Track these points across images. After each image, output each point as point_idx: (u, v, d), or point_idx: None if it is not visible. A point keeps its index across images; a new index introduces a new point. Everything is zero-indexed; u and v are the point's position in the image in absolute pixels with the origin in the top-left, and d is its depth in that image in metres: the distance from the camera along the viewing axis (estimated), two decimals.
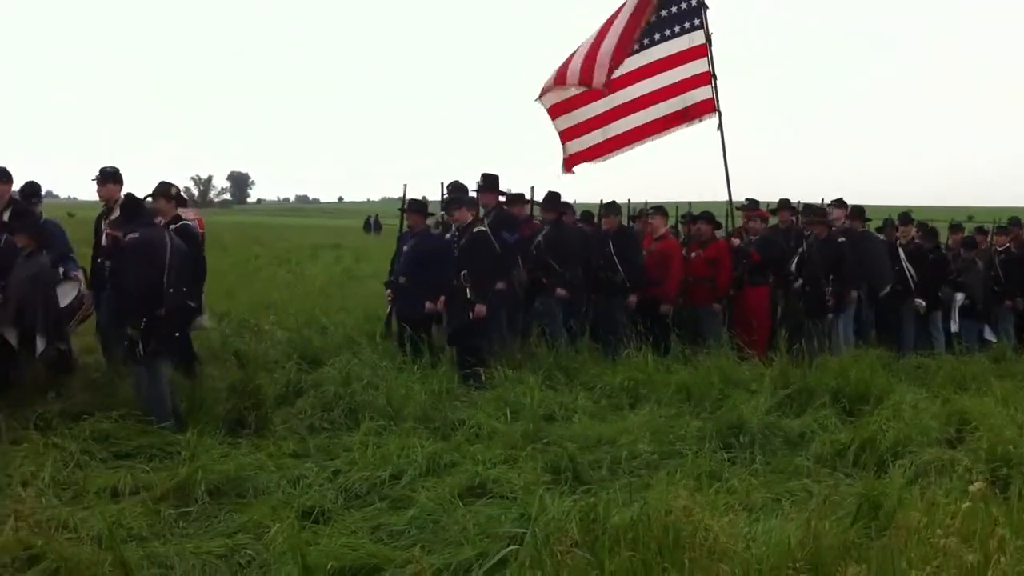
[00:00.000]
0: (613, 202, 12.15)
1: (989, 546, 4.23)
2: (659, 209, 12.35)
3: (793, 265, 11.83)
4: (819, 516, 4.96)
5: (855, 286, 12.12)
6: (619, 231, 11.82)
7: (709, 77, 12.32)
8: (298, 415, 8.03)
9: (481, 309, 9.87)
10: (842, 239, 12.04)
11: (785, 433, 7.79)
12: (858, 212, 12.95)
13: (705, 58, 12.35)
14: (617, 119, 12.26)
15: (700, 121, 12.39)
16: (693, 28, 12.35)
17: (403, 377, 8.77)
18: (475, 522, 5.48)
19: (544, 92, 12.42)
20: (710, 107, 12.35)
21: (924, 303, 12.60)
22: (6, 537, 4.86)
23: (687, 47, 12.31)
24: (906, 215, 13.82)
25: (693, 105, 12.34)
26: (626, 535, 4.67)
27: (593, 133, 12.33)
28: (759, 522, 5.40)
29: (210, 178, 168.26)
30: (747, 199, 12.99)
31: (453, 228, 10.59)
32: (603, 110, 12.24)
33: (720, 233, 12.25)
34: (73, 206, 71.42)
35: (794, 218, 12.47)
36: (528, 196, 11.92)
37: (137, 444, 7.13)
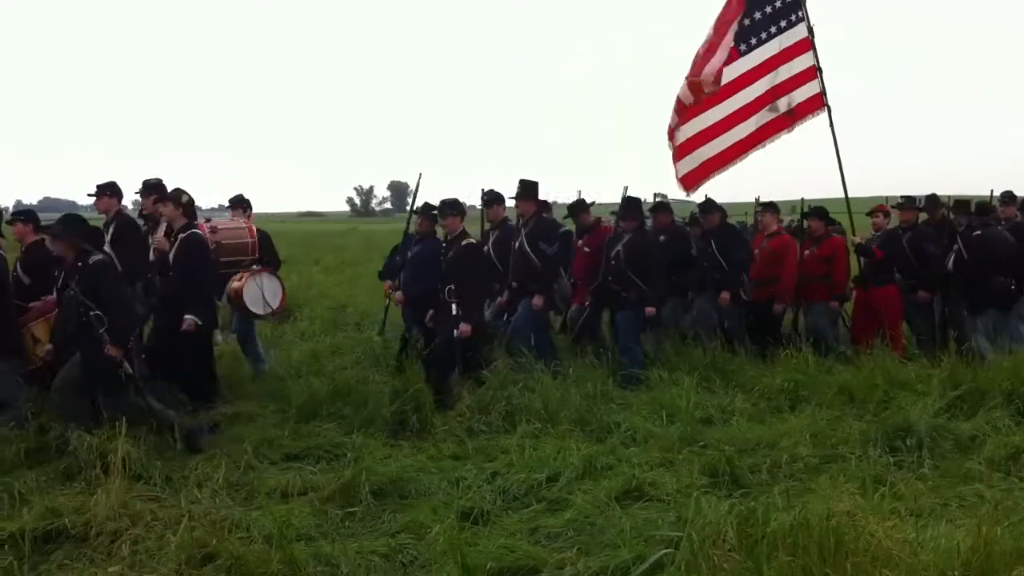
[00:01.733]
0: (712, 201, 11.93)
1: None
2: (769, 205, 12.05)
3: (950, 263, 11.27)
4: (991, 522, 4.78)
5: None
6: (721, 228, 11.57)
7: (815, 72, 11.92)
8: (457, 418, 8.17)
9: (466, 328, 9.23)
10: (977, 233, 11.18)
11: (955, 436, 7.47)
12: None
13: (810, 52, 11.91)
14: (727, 130, 11.92)
15: (812, 117, 11.97)
16: (791, 24, 11.87)
17: (559, 380, 8.81)
18: (631, 525, 5.49)
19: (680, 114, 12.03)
20: (819, 103, 11.92)
21: None
22: (183, 536, 5.11)
23: (788, 45, 11.87)
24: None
25: (801, 104, 11.95)
26: (785, 540, 4.58)
27: (703, 148, 11.97)
28: (927, 528, 5.23)
29: (371, 188, 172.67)
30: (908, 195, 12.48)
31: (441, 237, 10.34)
32: (711, 123, 11.91)
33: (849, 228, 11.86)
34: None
35: (946, 214, 12.03)
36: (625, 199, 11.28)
37: (305, 446, 7.42)
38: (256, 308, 10.09)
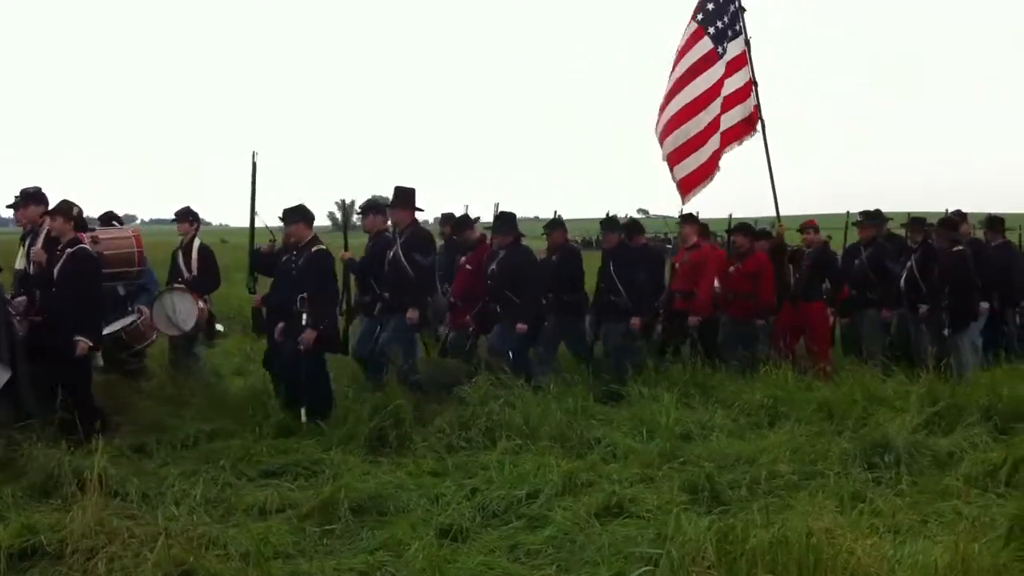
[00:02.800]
0: (613, 218, 11.72)
1: None
2: (689, 217, 11.79)
3: (902, 281, 11.42)
4: (969, 538, 4.79)
5: (975, 300, 11.32)
6: (619, 248, 11.23)
7: (751, 86, 11.89)
8: (437, 434, 8.16)
9: (310, 336, 8.72)
10: (959, 249, 11.30)
11: (933, 452, 7.50)
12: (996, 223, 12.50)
13: (746, 67, 11.89)
14: (712, 135, 11.85)
15: (754, 134, 11.94)
16: (736, 35, 11.88)
17: (539, 396, 8.80)
18: (611, 542, 5.48)
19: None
20: (755, 118, 11.90)
21: None
22: (159, 554, 5.06)
23: (730, 58, 11.86)
24: None
25: (747, 117, 11.91)
26: (764, 557, 4.58)
27: (695, 155, 11.87)
28: (905, 544, 5.23)
29: (353, 202, 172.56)
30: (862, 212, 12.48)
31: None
32: (697, 130, 11.83)
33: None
34: (226, 232, 74.20)
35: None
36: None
37: (283, 463, 7.38)
38: (165, 329, 9.90)
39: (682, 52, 11.96)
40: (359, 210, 11.47)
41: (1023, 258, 12.80)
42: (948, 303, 10.92)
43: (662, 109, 12.03)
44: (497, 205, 10.72)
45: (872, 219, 12.17)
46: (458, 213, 12.17)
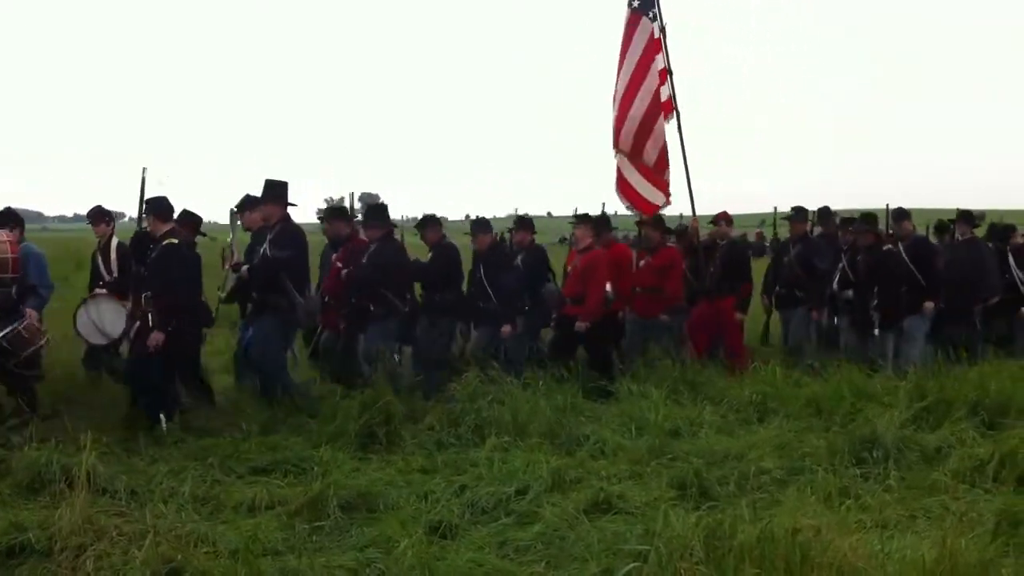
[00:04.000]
0: (483, 219, 11.45)
1: None
2: (584, 217, 11.28)
3: (836, 280, 11.34)
4: (956, 533, 4.82)
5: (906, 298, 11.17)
6: (491, 251, 10.96)
7: (667, 74, 11.47)
8: (426, 431, 8.17)
9: (158, 337, 8.26)
10: (888, 247, 11.29)
11: (921, 448, 7.53)
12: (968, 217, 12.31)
13: (661, 53, 11.47)
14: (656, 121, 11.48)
15: (665, 123, 11.49)
16: (653, 18, 11.46)
17: (528, 393, 8.81)
18: (599, 538, 5.49)
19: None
20: (668, 107, 11.46)
21: None
22: (148, 551, 5.05)
23: (647, 43, 11.46)
24: (1010, 225, 13.05)
25: (665, 102, 11.48)
26: (752, 553, 4.61)
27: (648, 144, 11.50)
28: (892, 540, 5.26)
29: (342, 199, 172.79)
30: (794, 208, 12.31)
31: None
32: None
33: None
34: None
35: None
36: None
37: (272, 460, 7.37)
38: (93, 339, 9.62)
39: (626, 46, 11.57)
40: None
41: (991, 255, 12.62)
42: (877, 302, 10.87)
43: (623, 114, 11.53)
44: (367, 195, 10.50)
45: (799, 216, 12.05)
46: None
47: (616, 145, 11.59)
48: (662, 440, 7.74)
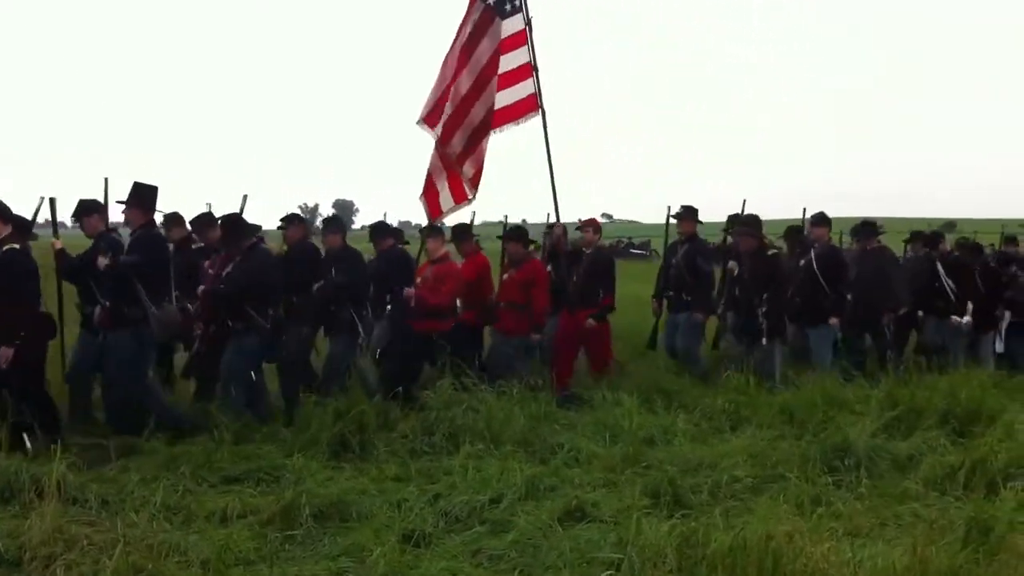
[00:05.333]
0: (332, 217, 10.68)
1: None
2: (434, 229, 10.68)
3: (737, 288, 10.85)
4: (927, 541, 4.89)
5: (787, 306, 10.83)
6: (391, 252, 10.46)
7: (530, 70, 10.91)
8: (400, 439, 8.14)
9: (6, 353, 7.76)
10: (773, 252, 10.87)
11: (892, 455, 7.60)
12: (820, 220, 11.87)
13: (525, 47, 10.89)
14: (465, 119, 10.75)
15: (524, 120, 10.94)
16: (515, 10, 10.84)
17: (502, 401, 8.81)
18: (573, 546, 5.48)
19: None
20: (533, 105, 10.94)
21: (969, 320, 11.97)
22: (118, 561, 5.02)
23: (506, 36, 10.79)
24: (938, 232, 13.11)
25: (519, 101, 10.92)
26: (725, 561, 4.65)
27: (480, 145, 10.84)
28: (864, 548, 5.33)
29: (316, 206, 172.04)
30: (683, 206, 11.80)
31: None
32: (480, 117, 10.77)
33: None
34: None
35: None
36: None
37: (244, 469, 7.32)
38: None
39: (474, 42, 10.86)
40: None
41: (898, 265, 12.76)
42: (765, 310, 10.43)
43: (444, 98, 10.84)
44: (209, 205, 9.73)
45: (688, 214, 11.56)
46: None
47: (444, 144, 10.78)
48: (636, 448, 7.75)
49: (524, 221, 11.35)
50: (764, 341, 10.36)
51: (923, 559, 4.66)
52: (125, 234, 8.92)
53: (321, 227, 10.31)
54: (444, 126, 10.70)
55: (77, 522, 5.74)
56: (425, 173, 10.92)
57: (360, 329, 9.84)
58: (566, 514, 6.18)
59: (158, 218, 9.34)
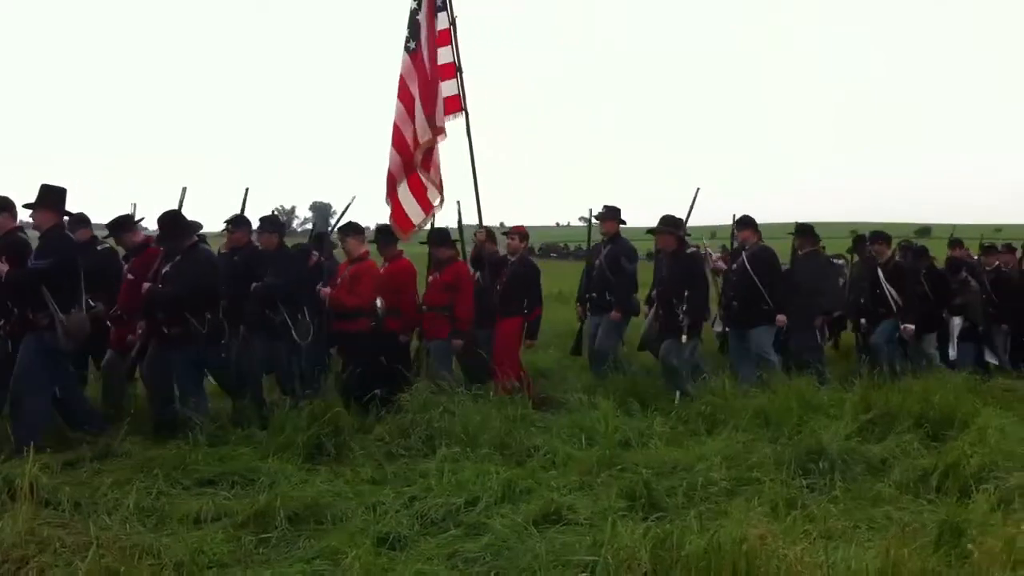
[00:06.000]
0: (269, 216, 10.30)
1: None
2: (350, 227, 10.28)
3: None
4: (899, 543, 4.90)
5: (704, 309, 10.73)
6: (277, 252, 9.86)
7: (454, 69, 10.88)
8: (376, 442, 8.12)
9: None
10: (692, 251, 10.74)
11: (866, 459, 7.63)
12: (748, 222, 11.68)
13: (449, 47, 10.85)
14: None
15: (450, 120, 10.87)
16: (441, 7, 10.84)
17: (479, 404, 8.81)
18: (549, 549, 5.48)
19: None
20: (456, 105, 10.89)
21: (912, 327, 11.85)
22: (91, 563, 4.98)
23: (441, 29, 10.81)
24: (879, 233, 12.77)
25: (445, 99, 10.86)
26: (699, 564, 4.65)
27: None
28: (837, 550, 5.31)
29: (293, 208, 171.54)
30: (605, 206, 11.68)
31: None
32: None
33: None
34: None
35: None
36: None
37: (219, 471, 7.29)
38: None
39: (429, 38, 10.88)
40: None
41: (833, 269, 12.83)
42: (685, 309, 10.28)
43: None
44: (134, 205, 9.35)
45: (610, 214, 11.44)
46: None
47: (411, 149, 10.79)
48: (612, 451, 7.75)
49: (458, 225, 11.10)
50: (684, 339, 10.24)
51: (896, 562, 4.68)
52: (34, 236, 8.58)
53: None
54: (408, 126, 10.71)
55: (50, 524, 5.71)
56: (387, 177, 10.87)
57: (294, 332, 9.49)
58: (542, 517, 6.18)
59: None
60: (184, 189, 9.37)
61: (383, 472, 7.39)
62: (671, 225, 10.68)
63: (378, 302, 9.81)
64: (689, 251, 10.62)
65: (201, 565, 5.30)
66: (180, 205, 9.22)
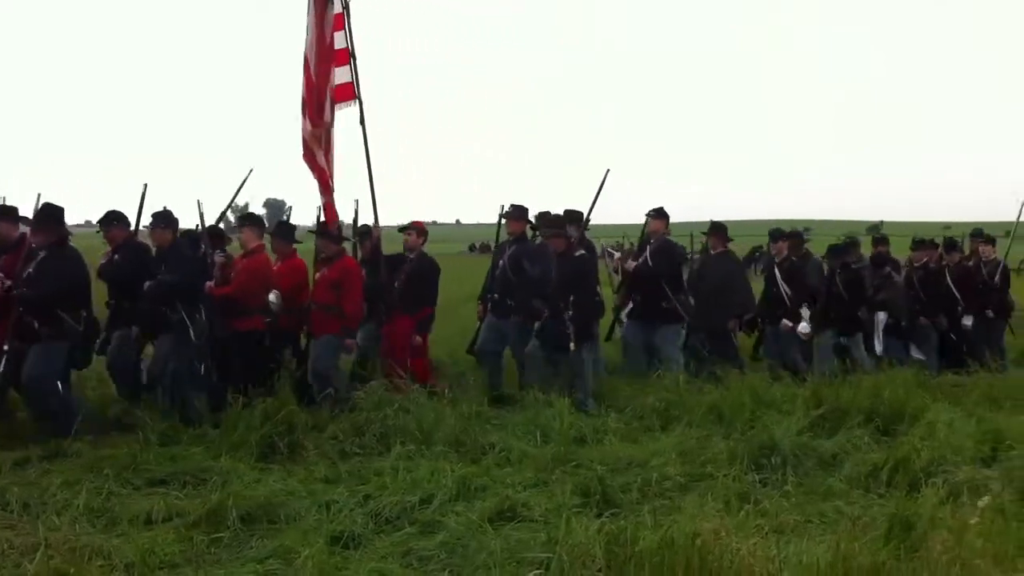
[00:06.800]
0: (165, 212, 9.46)
1: (1019, 566, 4.20)
2: (248, 217, 10.13)
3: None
4: (850, 537, 4.95)
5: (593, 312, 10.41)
6: (171, 249, 9.27)
7: (347, 56, 10.47)
8: (330, 440, 8.07)
9: None
10: (581, 253, 10.22)
11: (818, 454, 7.72)
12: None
13: (343, 31, 10.42)
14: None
15: (342, 108, 10.49)
16: None
17: (434, 401, 8.78)
18: (503, 546, 5.48)
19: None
20: (350, 93, 10.52)
21: (806, 326, 11.58)
22: (39, 564, 4.92)
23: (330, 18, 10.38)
24: (778, 231, 12.62)
25: (338, 87, 10.49)
26: (652, 559, 4.67)
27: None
28: (789, 544, 5.38)
29: (247, 205, 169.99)
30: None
31: None
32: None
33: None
34: None
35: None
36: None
37: (170, 471, 7.21)
38: None
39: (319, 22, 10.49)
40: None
41: (744, 269, 12.92)
42: (571, 315, 9.79)
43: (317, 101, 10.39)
44: (39, 196, 8.70)
45: (518, 213, 10.91)
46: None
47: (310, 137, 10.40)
48: (567, 448, 7.77)
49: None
50: (571, 347, 9.77)
51: (846, 555, 4.72)
52: None
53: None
54: (309, 116, 10.34)
55: None
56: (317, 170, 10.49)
57: (191, 331, 8.93)
58: (497, 514, 6.18)
59: None
60: (146, 186, 9.30)
61: (337, 471, 7.34)
62: (556, 225, 10.29)
63: (271, 297, 9.40)
64: (578, 253, 10.16)
65: (152, 566, 5.25)
66: (141, 202, 9.16)
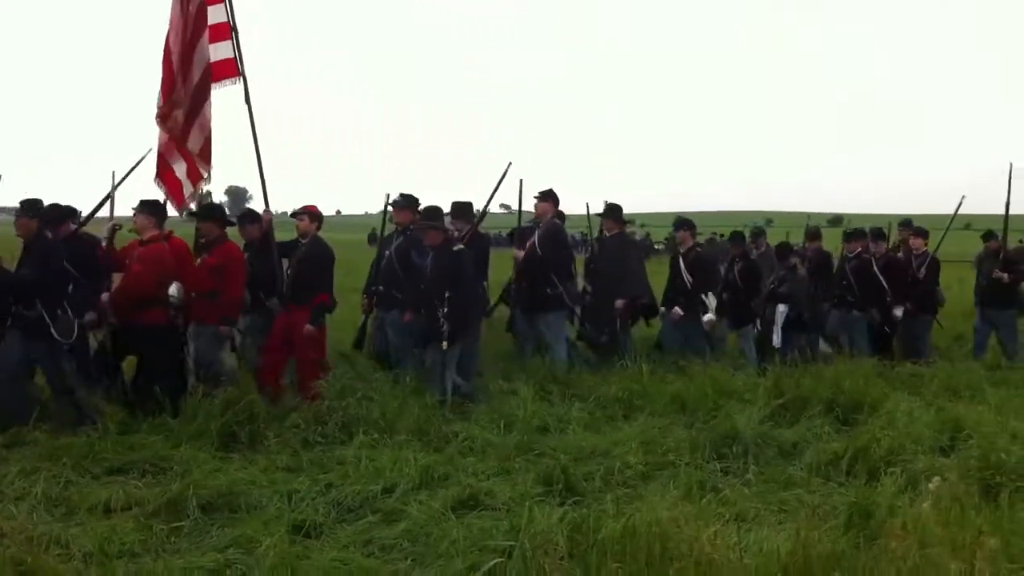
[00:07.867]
0: (33, 200, 8.76)
1: (976, 554, 4.25)
2: (148, 204, 9.23)
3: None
4: (810, 526, 4.99)
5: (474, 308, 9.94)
6: (72, 239, 8.94)
7: (228, 30, 9.90)
8: (291, 429, 7.99)
9: None
10: (459, 248, 9.67)
11: (779, 443, 7.78)
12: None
13: (221, 4, 9.88)
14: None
15: (224, 86, 9.96)
16: None
17: (397, 390, 8.75)
18: (466, 535, 5.48)
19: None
20: (232, 70, 9.97)
21: (711, 316, 11.50)
22: None
23: None
24: (684, 220, 12.41)
25: (217, 63, 9.90)
26: (614, 547, 4.69)
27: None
28: (750, 533, 5.44)
29: (208, 193, 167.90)
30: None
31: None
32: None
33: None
34: None
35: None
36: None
37: (129, 459, 7.13)
38: None
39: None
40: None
41: (637, 252, 12.73)
42: (446, 312, 9.20)
43: (170, 82, 9.88)
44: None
45: (407, 203, 10.39)
46: None
47: (163, 120, 9.89)
48: (530, 437, 7.79)
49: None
50: (444, 345, 9.17)
51: (806, 543, 4.76)
52: None
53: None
54: (162, 94, 9.85)
55: None
56: (156, 155, 9.96)
57: (53, 330, 8.13)
58: (459, 503, 6.18)
59: None
60: (114, 173, 9.13)
61: (299, 459, 7.29)
62: (431, 218, 9.79)
63: (172, 290, 8.78)
64: (456, 248, 9.63)
65: (111, 555, 5.18)
66: (113, 189, 8.98)
